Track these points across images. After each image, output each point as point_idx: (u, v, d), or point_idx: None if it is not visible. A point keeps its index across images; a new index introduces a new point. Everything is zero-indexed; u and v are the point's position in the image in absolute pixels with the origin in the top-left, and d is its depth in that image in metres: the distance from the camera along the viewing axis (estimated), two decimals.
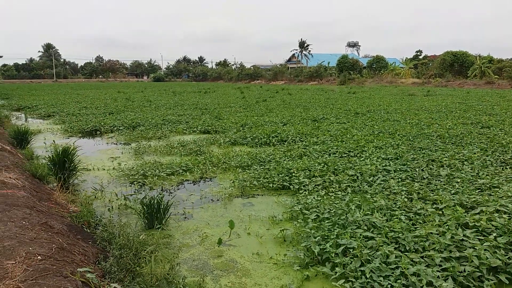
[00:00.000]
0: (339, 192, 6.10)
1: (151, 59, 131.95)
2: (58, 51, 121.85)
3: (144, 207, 5.08)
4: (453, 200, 5.41)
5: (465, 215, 4.70)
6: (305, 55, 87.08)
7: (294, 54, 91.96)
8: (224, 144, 10.63)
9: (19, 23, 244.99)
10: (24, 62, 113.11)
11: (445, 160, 7.68)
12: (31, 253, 3.22)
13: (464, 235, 4.15)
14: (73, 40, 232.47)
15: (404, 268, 3.58)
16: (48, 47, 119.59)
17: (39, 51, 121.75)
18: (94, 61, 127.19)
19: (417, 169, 7.13)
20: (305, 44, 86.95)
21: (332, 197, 5.85)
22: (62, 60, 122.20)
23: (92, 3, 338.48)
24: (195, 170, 7.90)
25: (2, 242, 3.37)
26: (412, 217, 4.92)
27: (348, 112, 17.29)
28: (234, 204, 6.11)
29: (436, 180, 6.52)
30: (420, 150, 8.84)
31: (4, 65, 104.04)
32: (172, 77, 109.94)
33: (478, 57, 50.15)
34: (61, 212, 5.10)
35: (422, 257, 3.88)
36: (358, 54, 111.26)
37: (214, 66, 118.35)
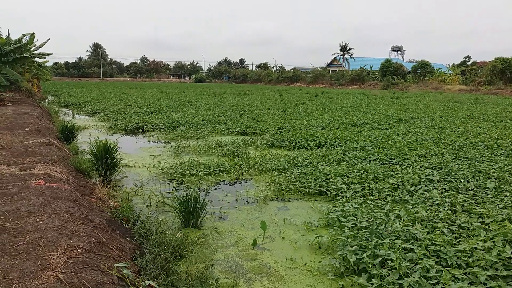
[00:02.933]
0: (379, 201, 5.92)
1: (193, 61, 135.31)
2: (105, 50, 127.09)
3: (181, 205, 5.15)
4: (501, 214, 5.10)
5: None
6: (346, 58, 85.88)
7: (335, 58, 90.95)
8: (261, 146, 10.62)
9: (71, 23, 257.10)
10: (74, 61, 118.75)
11: (493, 172, 7.28)
12: (72, 246, 3.33)
13: None
14: (120, 40, 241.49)
15: (446, 284, 3.41)
16: (96, 47, 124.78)
17: (87, 51, 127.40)
18: (139, 61, 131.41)
19: (462, 180, 6.81)
20: (347, 48, 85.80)
21: (371, 206, 5.68)
22: (109, 59, 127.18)
23: (140, 5, 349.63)
24: (232, 171, 7.93)
25: (45, 234, 3.50)
26: (455, 230, 4.69)
27: (390, 117, 16.83)
28: (269, 207, 6.08)
29: (482, 193, 6.19)
30: (466, 160, 8.44)
31: (56, 64, 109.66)
32: (213, 79, 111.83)
33: None
34: (102, 207, 5.26)
35: (465, 273, 3.68)
36: (403, 58, 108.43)
37: (254, 69, 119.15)
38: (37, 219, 3.84)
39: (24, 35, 21.03)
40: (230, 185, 7.24)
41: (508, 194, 6.01)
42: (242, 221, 5.49)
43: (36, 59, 24.16)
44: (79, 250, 3.29)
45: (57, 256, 3.12)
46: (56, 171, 5.92)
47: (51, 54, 23.32)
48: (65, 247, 3.29)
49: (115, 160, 7.04)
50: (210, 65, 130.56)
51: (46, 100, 27.24)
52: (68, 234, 3.58)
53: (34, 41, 21.69)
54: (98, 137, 8.46)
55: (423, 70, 61.58)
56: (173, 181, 7.32)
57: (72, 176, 6.17)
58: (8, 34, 22.98)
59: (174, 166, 8.05)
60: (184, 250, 4.22)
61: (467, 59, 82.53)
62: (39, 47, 22.14)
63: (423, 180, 6.90)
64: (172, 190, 6.81)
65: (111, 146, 6.93)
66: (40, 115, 14.09)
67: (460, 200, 5.74)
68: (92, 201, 5.34)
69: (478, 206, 5.51)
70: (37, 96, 25.82)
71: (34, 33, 21.54)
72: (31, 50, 21.51)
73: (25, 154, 6.91)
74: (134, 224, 5.08)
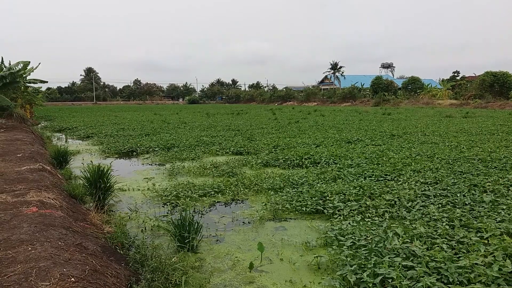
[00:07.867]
0: (376, 218, 5.87)
1: (186, 82, 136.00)
2: (98, 74, 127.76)
3: (176, 229, 5.06)
4: (499, 228, 5.07)
5: None
6: (337, 76, 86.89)
7: (326, 76, 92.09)
8: (256, 166, 10.58)
9: (63, 49, 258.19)
10: (67, 86, 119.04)
11: (488, 185, 7.29)
12: (65, 275, 3.24)
13: None
14: (113, 64, 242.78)
15: None
16: (89, 71, 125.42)
17: (80, 75, 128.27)
18: (132, 84, 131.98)
19: (458, 195, 6.80)
20: (338, 66, 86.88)
21: (369, 223, 5.63)
22: (102, 83, 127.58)
23: (132, 29, 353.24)
24: (227, 191, 7.87)
25: (38, 263, 3.41)
26: (455, 246, 4.64)
27: (383, 134, 16.92)
28: (266, 227, 6.00)
29: (479, 207, 6.17)
30: (460, 174, 8.45)
31: (48, 89, 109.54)
32: (206, 100, 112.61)
33: None
34: (96, 232, 5.16)
35: None
36: (393, 75, 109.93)
37: (246, 88, 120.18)
38: (29, 248, 3.75)
39: (18, 62, 21.16)
40: (225, 206, 7.17)
41: (504, 207, 6.00)
42: (239, 243, 5.40)
43: (30, 84, 24.22)
44: (72, 279, 3.20)
45: (50, 287, 3.03)
46: (48, 198, 5.83)
47: (46, 82, 23.39)
48: (58, 276, 3.20)
49: (109, 184, 6.95)
50: (203, 86, 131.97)
51: (39, 126, 27.11)
52: (61, 262, 3.49)
53: (28, 67, 21.82)
54: (91, 161, 8.40)
55: (413, 85, 62.37)
56: (168, 203, 7.23)
57: (65, 202, 6.08)
58: (2, 61, 23.04)
59: (169, 189, 7.97)
60: (180, 275, 4.13)
61: (456, 74, 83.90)
62: (31, 72, 22.24)
63: (420, 195, 6.89)
64: (167, 213, 6.72)
65: (105, 170, 6.86)
66: (32, 140, 13.99)
67: (458, 214, 5.72)
68: (85, 227, 5.25)
69: (476, 221, 5.49)
70: (29, 121, 25.69)
71: (29, 62, 21.71)
72: (24, 76, 21.60)
73: (17, 181, 6.81)
74: (129, 249, 4.98)
